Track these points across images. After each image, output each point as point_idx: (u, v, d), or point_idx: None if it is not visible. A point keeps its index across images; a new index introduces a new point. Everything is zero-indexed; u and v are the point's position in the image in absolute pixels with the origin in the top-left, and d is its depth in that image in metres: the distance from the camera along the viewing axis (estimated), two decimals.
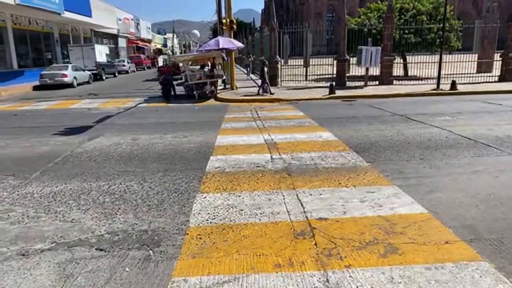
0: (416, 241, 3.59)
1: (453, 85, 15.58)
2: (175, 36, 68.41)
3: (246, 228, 3.94)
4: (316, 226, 3.94)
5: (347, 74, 19.15)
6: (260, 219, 4.13)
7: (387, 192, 4.83)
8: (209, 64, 16.94)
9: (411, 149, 6.86)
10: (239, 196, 4.79)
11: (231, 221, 4.11)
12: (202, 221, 4.13)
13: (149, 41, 61.18)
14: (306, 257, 3.36)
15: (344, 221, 4.04)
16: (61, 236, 3.87)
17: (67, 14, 27.11)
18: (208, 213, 4.31)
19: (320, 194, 4.81)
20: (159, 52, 56.53)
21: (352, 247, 3.50)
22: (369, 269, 3.14)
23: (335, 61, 18.63)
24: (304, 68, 20.78)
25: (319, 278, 3.04)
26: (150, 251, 3.55)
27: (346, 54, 18.37)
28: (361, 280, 3.00)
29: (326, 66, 19.84)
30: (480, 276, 3.01)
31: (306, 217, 4.16)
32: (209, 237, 3.77)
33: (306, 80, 20.10)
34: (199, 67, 17.66)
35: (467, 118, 9.80)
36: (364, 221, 4.03)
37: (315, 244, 3.58)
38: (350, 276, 3.06)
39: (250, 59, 28.01)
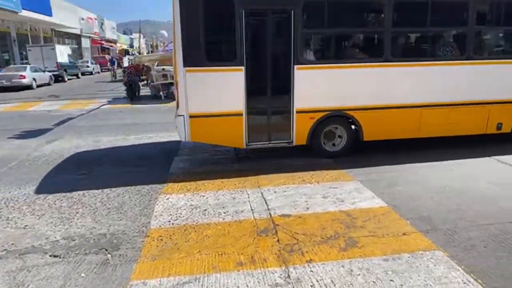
0: (376, 234, 3.67)
1: None
2: (141, 36, 67.03)
3: (209, 227, 3.90)
4: (279, 223, 3.95)
5: None
6: (224, 218, 4.10)
7: (349, 187, 4.92)
8: None
9: (376, 144, 7.04)
10: (203, 196, 4.73)
11: (194, 221, 4.05)
12: (164, 222, 4.04)
13: (115, 42, 59.57)
14: (268, 254, 3.36)
15: (307, 217, 4.08)
16: (13, 244, 3.67)
17: (25, 13, 25.88)
18: (171, 214, 4.22)
19: (285, 191, 4.83)
20: (125, 52, 55.23)
21: (313, 242, 3.54)
22: (329, 263, 3.19)
23: None
24: None
25: (280, 274, 3.05)
26: (109, 255, 3.43)
27: None
28: (322, 274, 3.03)
29: None
30: (434, 265, 3.13)
31: (270, 214, 4.17)
32: (170, 238, 3.70)
33: None
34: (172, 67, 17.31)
35: None
36: (326, 216, 4.09)
37: (278, 240, 3.59)
38: (311, 271, 3.08)
39: None
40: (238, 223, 3.99)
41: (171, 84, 15.44)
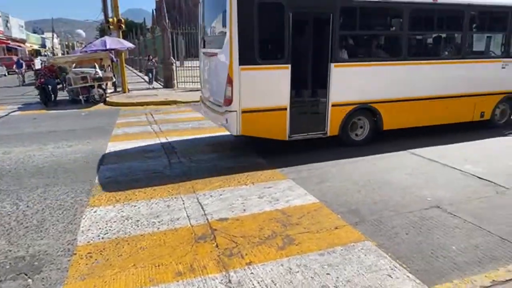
0: (310, 230, 3.82)
1: None
2: (55, 36, 61.70)
3: (144, 239, 3.71)
4: (217, 228, 3.91)
5: None
6: (159, 228, 3.93)
7: (282, 186, 5.05)
8: (96, 66, 15.63)
9: (300, 143, 7.33)
10: (135, 206, 4.49)
11: (126, 233, 3.82)
12: (93, 237, 3.75)
13: (23, 41, 54.03)
14: (208, 260, 3.30)
15: (244, 219, 4.10)
16: None
17: None
18: (100, 228, 3.94)
19: (221, 195, 4.80)
20: (36, 53, 50.34)
21: (252, 244, 3.56)
22: (269, 263, 3.23)
23: None
24: None
25: (221, 280, 3.01)
26: (29, 280, 3.08)
27: None
28: (262, 275, 3.06)
29: None
30: (365, 255, 3.34)
31: (207, 219, 4.10)
32: (101, 254, 3.44)
33: None
34: (94, 69, 16.06)
35: None
36: (262, 216, 4.14)
37: (216, 245, 3.55)
38: (252, 273, 3.09)
39: (151, 62, 20.56)
40: (174, 231, 3.86)
41: (92, 87, 14.46)
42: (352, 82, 6.64)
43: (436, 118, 7.59)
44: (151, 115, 11.37)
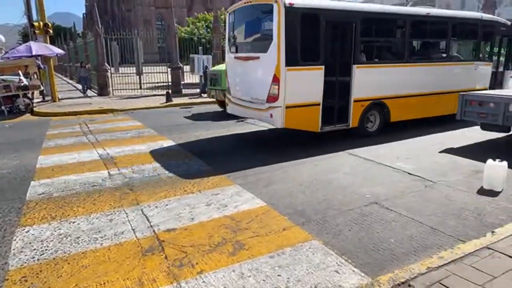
0: (260, 234, 3.87)
1: None
2: None
3: (85, 256, 3.49)
4: (165, 239, 3.80)
5: (182, 82, 19.36)
6: (102, 244, 3.72)
7: (230, 191, 5.06)
8: (20, 73, 14.37)
9: (246, 148, 7.42)
10: (74, 222, 4.21)
11: (65, 252, 3.56)
12: (27, 259, 3.44)
13: None
14: (157, 273, 3.20)
15: (193, 228, 4.03)
16: None
17: None
18: (34, 249, 3.62)
19: (167, 205, 4.67)
20: None
21: (202, 252, 3.51)
22: (220, 270, 3.21)
23: (169, 69, 18.57)
24: (137, 77, 19.98)
25: None
26: None
27: (179, 62, 18.55)
28: (214, 283, 3.03)
29: (160, 74, 19.57)
30: (313, 254, 3.46)
31: (154, 231, 3.97)
32: (37, 277, 3.17)
33: (140, 88, 19.37)
34: (18, 77, 14.64)
35: None
36: (211, 224, 4.11)
37: (165, 257, 3.45)
38: (203, 282, 3.05)
39: (83, 69, 19.18)
40: (119, 246, 3.68)
41: (16, 96, 13.30)
42: (369, 81, 7.87)
43: (430, 111, 9.01)
44: (86, 125, 10.74)
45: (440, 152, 6.97)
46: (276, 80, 6.76)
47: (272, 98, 6.87)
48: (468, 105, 7.10)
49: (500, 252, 3.25)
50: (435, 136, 8.34)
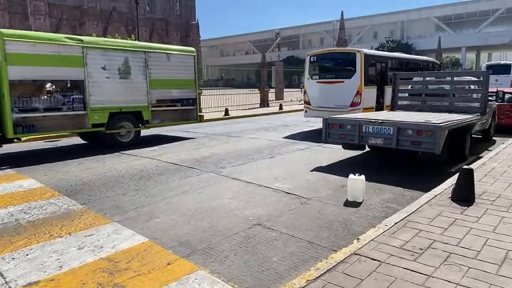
0: (142, 272, 3.59)
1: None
2: None
3: None
4: None
5: None
6: None
7: (106, 231, 4.61)
8: None
9: (126, 182, 6.95)
10: None
11: None
12: None
13: None
14: None
15: (61, 277, 3.51)
16: None
17: None
18: None
19: (27, 255, 3.99)
20: None
21: None
22: None
23: None
24: None
25: None
26: None
27: None
28: None
29: None
30: (199, 284, 3.36)
31: None
32: None
33: None
34: None
35: (171, 147, 10.99)
36: (85, 270, 3.65)
37: None
38: None
39: None
40: None
41: None
42: (389, 95, 11.54)
43: None
44: None
45: (312, 170, 7.67)
46: (358, 93, 12.22)
47: (355, 104, 12.20)
48: (330, 128, 8.05)
49: (365, 256, 3.67)
50: (305, 155, 9.19)
